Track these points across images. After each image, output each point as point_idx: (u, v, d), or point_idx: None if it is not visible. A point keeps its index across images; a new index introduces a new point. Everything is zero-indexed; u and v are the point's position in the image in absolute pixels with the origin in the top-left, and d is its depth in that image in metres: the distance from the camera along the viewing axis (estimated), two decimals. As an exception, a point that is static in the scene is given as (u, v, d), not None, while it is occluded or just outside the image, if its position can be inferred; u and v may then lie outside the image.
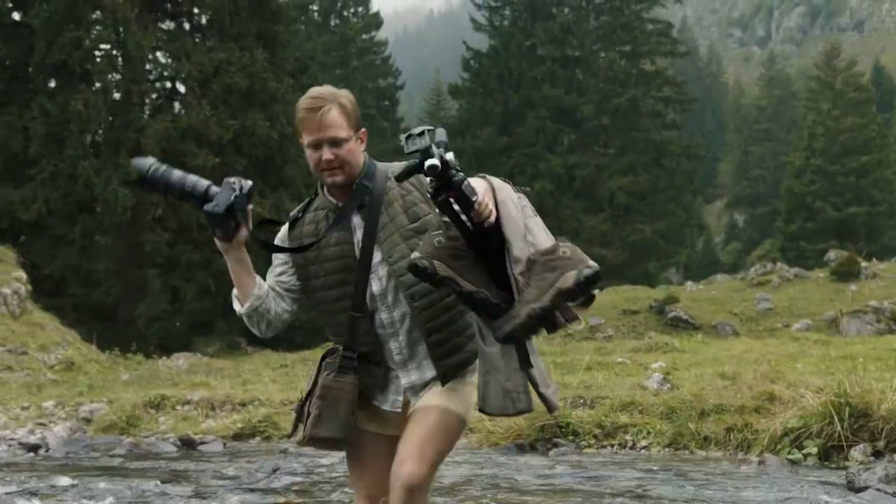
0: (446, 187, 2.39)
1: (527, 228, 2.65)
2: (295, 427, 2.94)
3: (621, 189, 39.00)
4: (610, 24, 43.40)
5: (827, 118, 49.33)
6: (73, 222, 20.48)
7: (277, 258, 2.97)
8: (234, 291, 2.86)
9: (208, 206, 2.56)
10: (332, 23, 48.82)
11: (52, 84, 21.27)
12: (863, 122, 48.94)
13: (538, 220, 2.72)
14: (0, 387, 13.80)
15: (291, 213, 3.03)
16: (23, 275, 17.23)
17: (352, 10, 50.10)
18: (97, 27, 21.18)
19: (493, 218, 2.52)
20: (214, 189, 2.61)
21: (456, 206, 2.46)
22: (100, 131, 20.78)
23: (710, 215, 71.52)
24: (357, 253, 2.83)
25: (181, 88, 20.97)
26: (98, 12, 20.92)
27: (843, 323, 24.52)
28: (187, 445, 8.82)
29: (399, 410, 2.88)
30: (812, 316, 25.42)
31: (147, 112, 20.69)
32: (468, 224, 2.51)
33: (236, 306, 2.86)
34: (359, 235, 2.84)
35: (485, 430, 7.72)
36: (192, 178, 2.60)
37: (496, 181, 2.64)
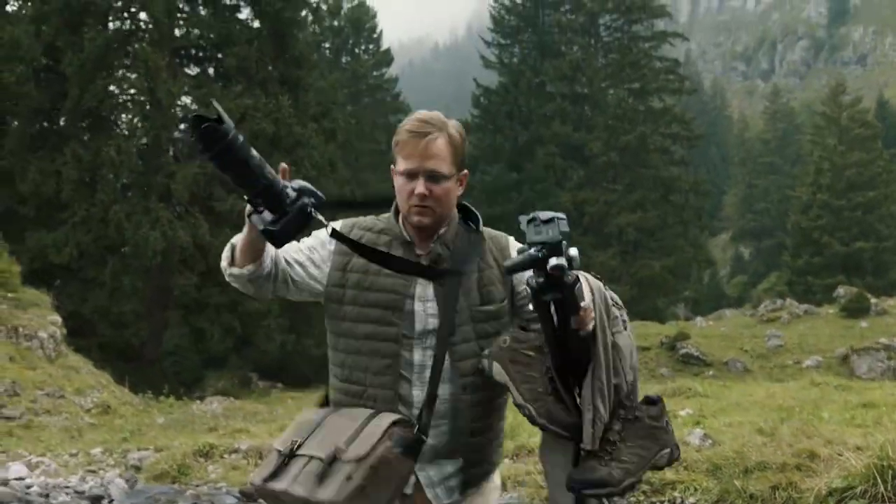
0: (556, 287, 2.06)
1: (615, 350, 2.42)
2: (277, 466, 2.27)
3: (630, 225, 39.39)
4: (618, 61, 43.96)
5: (833, 154, 49.81)
6: (103, 265, 20.94)
7: (305, 249, 2.51)
8: (234, 245, 2.39)
9: (270, 226, 2.06)
10: (344, 59, 49.46)
11: (84, 129, 21.79)
12: (869, 157, 49.44)
13: (626, 337, 2.48)
14: (41, 431, 14.14)
15: (345, 221, 2.60)
16: (58, 319, 17.64)
17: (363, 48, 50.67)
18: (128, 75, 21.82)
19: (590, 327, 2.27)
20: (289, 195, 2.06)
21: (554, 307, 2.16)
22: (129, 176, 21.23)
23: (716, 248, 71.85)
24: (406, 305, 2.46)
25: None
26: (129, 60, 21.53)
27: (854, 360, 24.84)
28: (248, 497, 9.08)
29: (410, 492, 2.46)
30: (822, 353, 25.73)
31: (176, 157, 21.19)
32: (557, 327, 2.23)
33: (228, 266, 2.39)
34: (417, 290, 2.47)
35: (535, 485, 8.00)
36: (270, 172, 2.06)
37: (593, 281, 2.39)
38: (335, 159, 24.21)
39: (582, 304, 2.16)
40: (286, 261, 2.47)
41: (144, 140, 21.40)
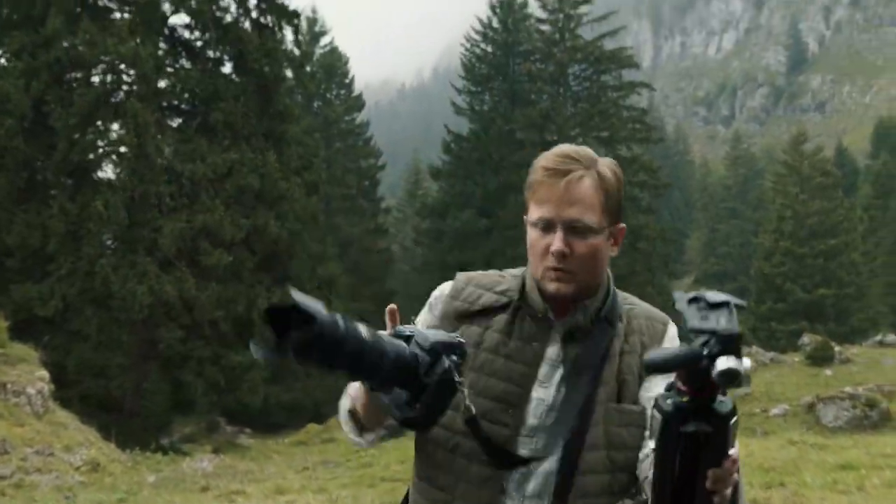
0: (708, 414, 1.36)
1: None
2: None
3: (600, 273, 39.88)
4: (587, 110, 44.78)
5: (795, 202, 50.88)
6: (89, 318, 21.05)
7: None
8: (353, 412, 1.94)
9: (409, 413, 1.67)
10: (315, 104, 49.95)
11: (71, 182, 21.99)
12: (830, 206, 50.54)
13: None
14: (33, 490, 14.16)
15: (461, 276, 2.11)
16: (45, 374, 17.69)
17: (334, 93, 51.20)
18: (114, 127, 22.16)
19: (729, 492, 1.42)
20: (420, 362, 1.64)
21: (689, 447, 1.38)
22: (116, 229, 21.43)
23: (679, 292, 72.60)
24: (529, 387, 1.93)
25: (196, 188, 21.79)
26: (117, 114, 21.85)
27: (820, 409, 25.35)
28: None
29: None
30: (789, 401, 26.25)
31: (163, 211, 21.45)
32: (680, 478, 1.41)
33: (357, 436, 1.99)
34: (544, 371, 1.94)
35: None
36: (390, 345, 1.63)
37: None
38: (316, 211, 24.56)
39: (731, 451, 1.39)
40: None
41: (130, 194, 21.58)
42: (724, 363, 1.30)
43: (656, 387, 1.84)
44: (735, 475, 1.43)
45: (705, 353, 1.33)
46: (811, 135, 66.70)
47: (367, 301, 38.63)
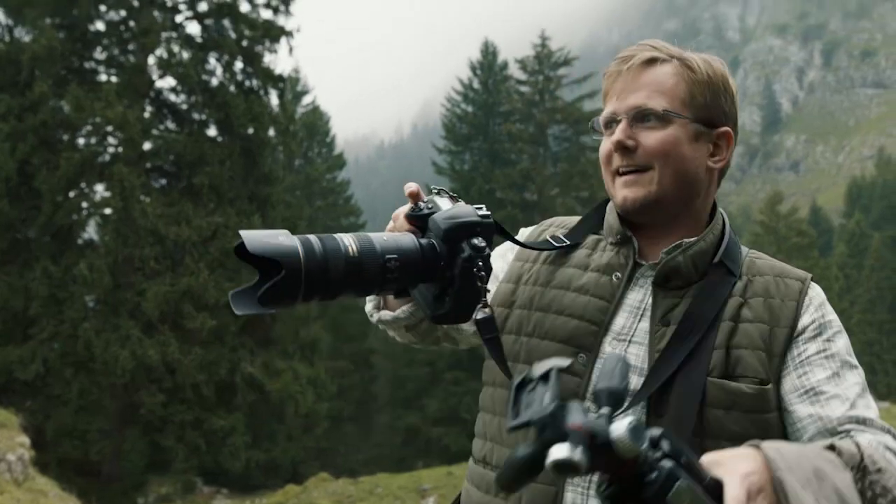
0: (634, 494, 1.14)
1: None
2: None
3: (581, 333, 40.06)
4: (567, 171, 45.17)
5: (772, 261, 51.38)
6: (70, 382, 20.90)
7: None
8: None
9: (438, 310, 1.53)
10: (297, 163, 50.24)
11: (55, 245, 21.97)
12: (806, 265, 50.91)
13: None
14: (12, 561, 13.96)
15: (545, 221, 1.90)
16: (26, 440, 17.45)
17: (316, 151, 51.55)
18: (102, 192, 22.22)
19: None
20: (439, 252, 1.50)
21: None
22: (100, 293, 21.40)
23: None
24: (601, 343, 1.60)
25: (180, 251, 21.83)
26: (102, 177, 21.94)
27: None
28: None
29: None
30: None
31: (147, 274, 21.45)
32: None
33: (376, 309, 1.86)
34: (617, 322, 1.63)
35: None
36: (408, 243, 1.49)
37: (786, 454, 1.23)
38: (301, 273, 24.52)
39: None
40: None
41: (114, 257, 21.58)
42: (552, 456, 1.08)
43: (813, 374, 1.56)
44: None
45: (531, 452, 1.11)
46: (786, 193, 67.75)
47: (347, 359, 38.51)
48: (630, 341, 1.60)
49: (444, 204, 1.54)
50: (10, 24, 23.67)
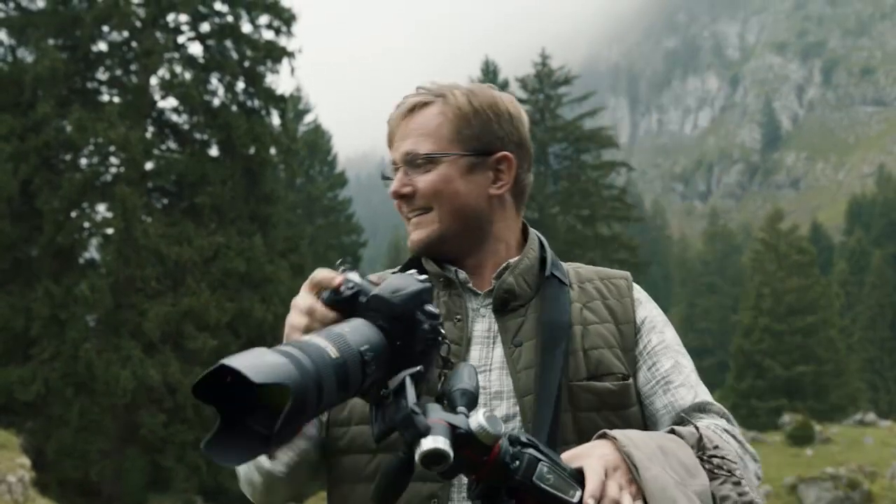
0: (498, 490, 1.22)
1: None
2: None
3: (581, 350, 39.99)
4: (568, 189, 45.19)
5: (773, 279, 51.31)
6: (70, 403, 20.88)
7: None
8: None
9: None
10: (298, 181, 50.31)
11: (56, 265, 22.01)
12: (807, 283, 50.99)
13: None
14: (12, 583, 13.94)
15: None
16: (27, 461, 17.48)
17: (317, 170, 51.61)
18: (103, 212, 22.32)
19: None
20: None
21: None
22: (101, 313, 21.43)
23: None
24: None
25: (181, 271, 21.88)
26: (104, 198, 22.04)
27: (802, 490, 25.41)
28: None
29: None
30: (771, 482, 26.26)
31: (148, 294, 21.48)
32: None
33: (256, 469, 1.63)
34: (476, 354, 1.63)
35: None
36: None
37: (631, 436, 1.35)
38: (302, 293, 24.54)
39: (574, 499, 1.22)
40: None
41: (116, 277, 21.62)
42: (421, 448, 1.15)
43: (661, 364, 1.66)
44: None
45: (401, 452, 1.18)
46: (786, 211, 67.80)
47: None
48: (490, 369, 1.61)
49: (361, 279, 1.37)
50: (13, 44, 23.81)
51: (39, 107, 21.58)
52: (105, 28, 23.78)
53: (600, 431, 1.37)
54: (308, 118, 51.19)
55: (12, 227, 21.34)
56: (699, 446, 1.41)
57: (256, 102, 24.89)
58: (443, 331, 1.35)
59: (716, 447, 1.42)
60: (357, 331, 1.27)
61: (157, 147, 24.20)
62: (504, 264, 1.68)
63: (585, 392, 1.57)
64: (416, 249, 1.69)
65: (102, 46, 24.32)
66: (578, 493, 1.23)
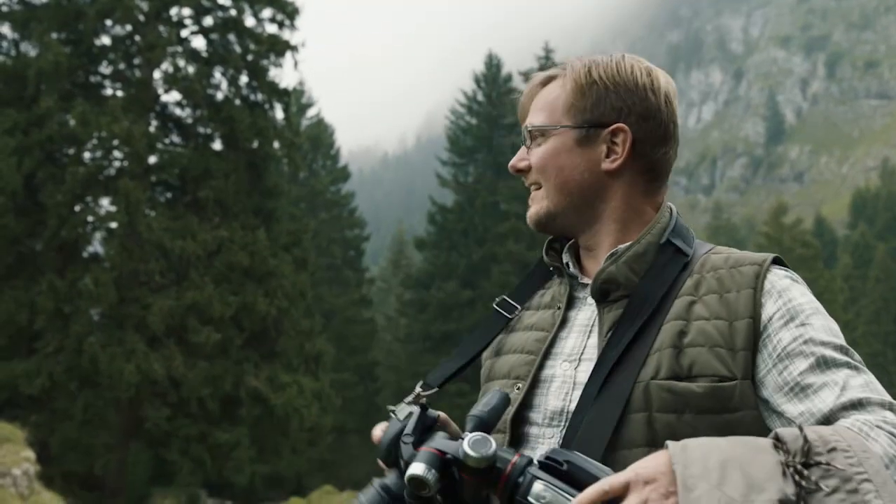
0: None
1: None
2: None
3: (586, 343, 40.15)
4: (570, 183, 45.21)
5: (777, 273, 51.29)
6: (75, 396, 20.96)
7: None
8: None
9: None
10: (301, 175, 50.33)
11: (60, 259, 22.07)
12: (811, 276, 50.83)
13: None
14: (17, 576, 13.98)
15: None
16: (31, 454, 17.51)
17: (320, 164, 51.64)
18: (107, 206, 22.35)
19: None
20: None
21: None
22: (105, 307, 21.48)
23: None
24: (542, 368, 1.58)
25: (185, 265, 21.92)
26: (107, 192, 22.06)
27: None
28: None
29: None
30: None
31: (152, 288, 21.53)
32: None
33: None
34: (567, 344, 1.59)
35: None
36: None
37: (691, 446, 1.21)
38: (305, 287, 24.65)
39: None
40: None
41: (120, 271, 21.66)
42: (407, 472, 1.24)
43: (794, 366, 1.43)
44: None
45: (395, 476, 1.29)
46: (790, 204, 67.54)
47: (351, 372, 38.53)
48: (580, 359, 1.54)
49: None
50: (17, 38, 23.82)
51: (43, 101, 21.59)
52: (108, 22, 23.78)
53: (667, 441, 1.23)
54: (311, 112, 51.24)
55: (16, 221, 21.38)
56: (803, 452, 1.19)
57: (260, 96, 24.91)
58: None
59: (832, 450, 1.20)
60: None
61: (161, 141, 24.23)
62: (613, 250, 1.59)
63: (664, 392, 1.43)
64: (531, 225, 1.67)
65: (106, 40, 24.33)
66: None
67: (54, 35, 23.01)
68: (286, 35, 24.88)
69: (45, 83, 22.12)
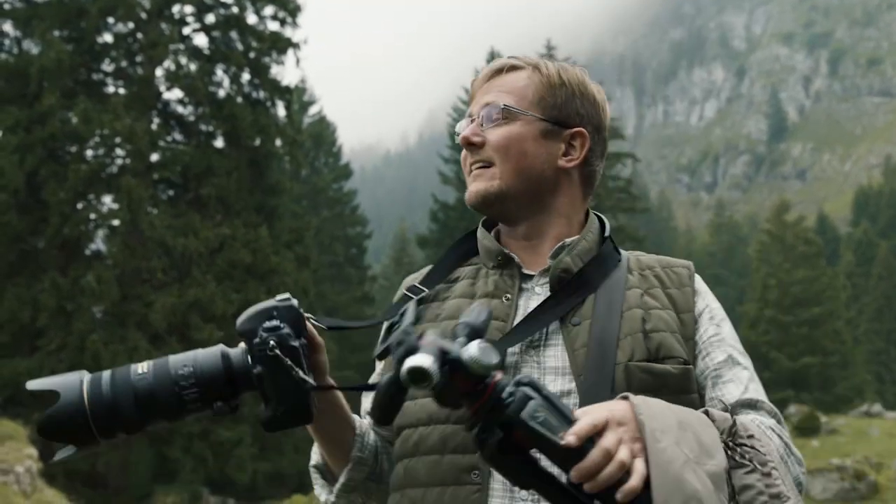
0: (492, 424, 1.20)
1: None
2: None
3: (588, 342, 40.08)
4: (574, 180, 45.14)
5: (779, 271, 51.22)
6: (77, 394, 20.94)
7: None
8: (316, 458, 1.71)
9: (264, 416, 1.40)
10: (303, 172, 50.31)
11: (62, 257, 22.10)
12: (813, 274, 50.89)
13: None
14: (20, 574, 14.00)
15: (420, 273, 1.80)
16: (34, 452, 17.54)
17: (322, 161, 51.64)
18: (109, 204, 22.40)
19: (635, 484, 1.19)
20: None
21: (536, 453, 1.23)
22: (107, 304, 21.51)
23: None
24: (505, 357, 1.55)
25: (187, 262, 21.95)
26: (110, 189, 22.10)
27: (809, 481, 25.47)
28: None
29: None
30: (778, 473, 26.30)
31: (154, 286, 21.57)
32: (533, 483, 1.24)
33: (322, 491, 1.70)
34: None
35: None
36: (207, 355, 1.41)
37: (651, 403, 1.32)
38: (308, 285, 24.68)
39: (562, 440, 1.18)
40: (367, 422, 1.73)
41: (122, 268, 21.69)
42: (406, 364, 1.16)
43: (713, 357, 1.62)
44: (616, 460, 1.20)
45: (392, 370, 1.20)
46: (793, 202, 67.64)
47: (353, 369, 38.54)
48: (544, 345, 1.59)
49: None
50: (19, 36, 23.86)
51: (45, 98, 21.61)
52: (110, 19, 23.80)
53: (622, 394, 1.35)
54: (313, 109, 51.20)
55: (18, 218, 21.41)
56: (730, 432, 1.38)
57: (262, 94, 24.94)
58: (283, 344, 1.33)
59: (751, 437, 1.39)
60: (198, 358, 1.38)
61: (163, 138, 24.26)
62: (560, 243, 1.67)
63: (643, 373, 1.53)
64: (473, 202, 1.69)
65: (108, 38, 24.36)
66: (561, 439, 1.20)
67: (56, 33, 23.04)
68: (288, 32, 24.94)
69: (47, 81, 22.12)
